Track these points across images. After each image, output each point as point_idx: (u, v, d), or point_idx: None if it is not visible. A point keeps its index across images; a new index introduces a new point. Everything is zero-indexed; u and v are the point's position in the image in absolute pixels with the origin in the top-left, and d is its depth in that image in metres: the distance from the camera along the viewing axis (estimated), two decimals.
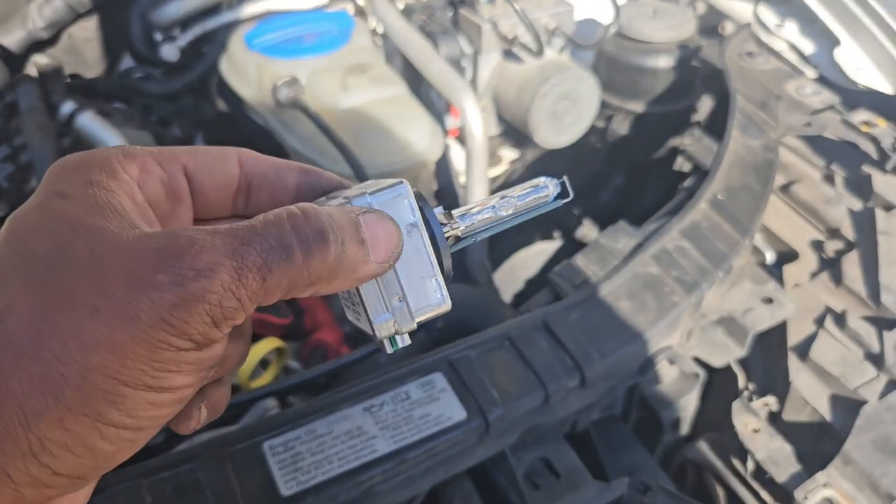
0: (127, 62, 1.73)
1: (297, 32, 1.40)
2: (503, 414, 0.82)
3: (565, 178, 0.47)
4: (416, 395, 0.84)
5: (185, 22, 1.63)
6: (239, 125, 1.56)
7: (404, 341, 0.44)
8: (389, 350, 0.44)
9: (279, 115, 1.34)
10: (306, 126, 1.26)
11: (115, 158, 0.39)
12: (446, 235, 0.45)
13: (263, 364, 1.18)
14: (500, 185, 1.72)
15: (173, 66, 1.63)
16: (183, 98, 1.66)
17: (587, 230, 1.70)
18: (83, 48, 1.71)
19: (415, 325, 0.44)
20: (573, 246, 1.74)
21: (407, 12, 1.53)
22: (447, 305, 0.44)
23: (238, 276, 0.34)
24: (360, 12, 1.62)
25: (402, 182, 0.43)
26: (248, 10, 1.62)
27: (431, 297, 0.44)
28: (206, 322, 0.34)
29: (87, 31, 1.69)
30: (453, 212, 0.46)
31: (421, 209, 0.44)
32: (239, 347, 0.44)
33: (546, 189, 0.47)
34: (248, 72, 1.38)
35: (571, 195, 0.47)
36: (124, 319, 0.32)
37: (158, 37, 1.63)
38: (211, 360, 0.36)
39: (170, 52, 1.61)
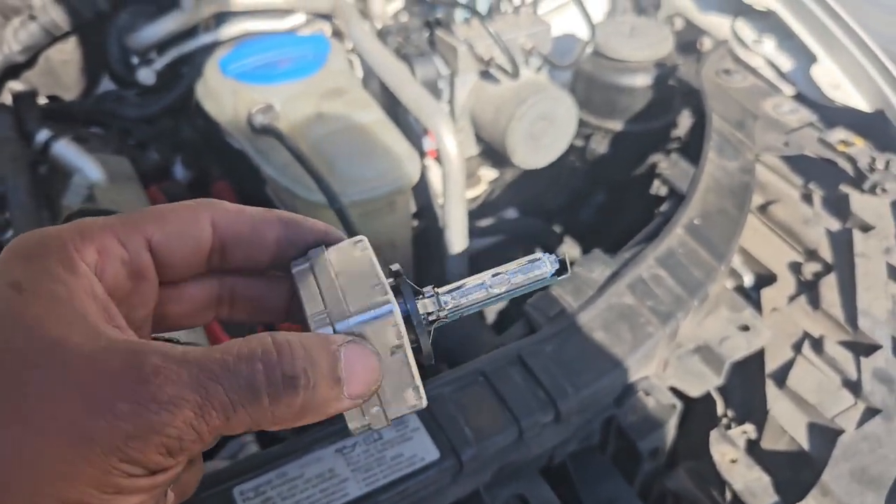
0: (106, 84, 1.72)
1: (272, 57, 1.39)
2: (477, 452, 0.82)
3: (565, 254, 0.45)
4: (389, 435, 0.83)
5: (162, 45, 1.62)
6: (218, 148, 1.55)
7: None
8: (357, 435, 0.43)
9: (255, 141, 1.33)
10: (282, 153, 1.25)
11: (70, 245, 0.37)
12: (432, 319, 0.43)
13: None
14: (480, 205, 1.71)
15: (150, 88, 1.63)
16: (161, 121, 1.65)
17: (568, 248, 1.70)
18: (60, 71, 1.69)
19: (388, 425, 0.43)
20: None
21: (383, 34, 1.52)
22: (423, 404, 0.43)
23: (201, 412, 0.33)
24: (338, 33, 1.62)
25: (388, 302, 0.40)
26: (224, 33, 1.61)
27: (409, 401, 0.42)
28: (162, 453, 0.33)
29: (64, 54, 1.68)
30: (440, 291, 0.44)
31: (408, 316, 0.41)
32: (195, 472, 0.43)
33: (543, 266, 0.44)
34: (223, 98, 1.37)
35: (570, 272, 0.45)
36: (78, 442, 0.31)
37: (135, 60, 1.62)
38: (164, 484, 0.35)
39: (146, 75, 1.60)
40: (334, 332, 0.40)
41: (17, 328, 0.33)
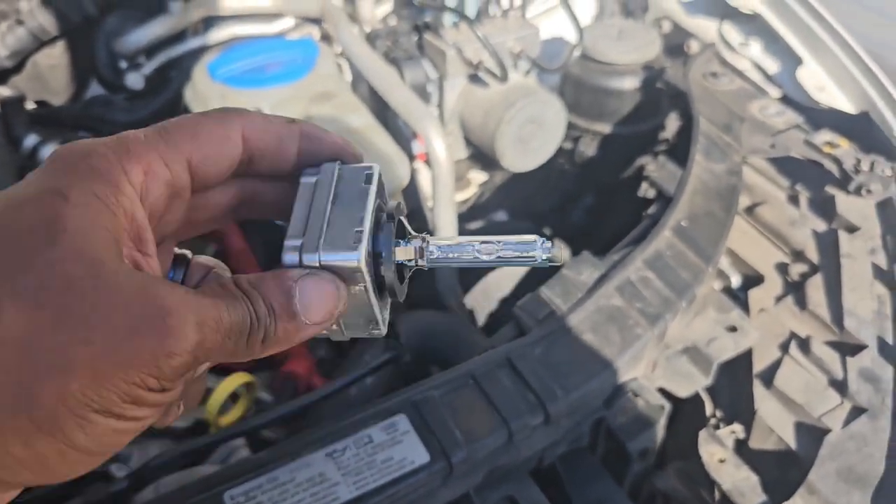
0: (94, 89, 1.71)
1: (260, 62, 1.39)
2: (466, 455, 0.82)
3: (560, 244, 0.46)
4: (380, 439, 0.83)
5: (150, 49, 1.62)
6: None
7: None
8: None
9: None
10: None
11: (118, 165, 0.38)
12: (410, 265, 0.46)
13: (233, 398, 1.17)
14: (470, 208, 1.71)
15: (139, 93, 1.62)
16: (150, 125, 1.64)
17: (559, 249, 1.70)
18: (48, 75, 1.69)
19: (346, 338, 0.47)
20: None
21: (372, 38, 1.52)
22: (382, 333, 0.47)
23: (200, 347, 0.37)
24: (326, 37, 1.62)
25: (356, 256, 0.42)
26: (213, 37, 1.62)
27: (369, 329, 0.47)
28: (172, 376, 0.36)
29: (52, 59, 1.67)
30: (430, 240, 0.45)
31: (379, 255, 0.44)
32: (200, 384, 0.50)
33: (534, 250, 0.45)
34: (211, 103, 1.37)
35: (563, 261, 0.46)
36: (114, 356, 0.34)
37: (123, 65, 1.62)
38: (174, 398, 0.38)
39: (135, 80, 1.60)
40: (300, 263, 0.42)
41: (63, 236, 0.35)
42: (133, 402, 0.35)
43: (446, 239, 0.46)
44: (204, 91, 1.40)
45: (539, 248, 0.45)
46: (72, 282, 0.34)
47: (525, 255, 0.45)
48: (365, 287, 0.43)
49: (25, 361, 0.33)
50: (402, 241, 0.45)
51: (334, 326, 0.45)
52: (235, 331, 0.39)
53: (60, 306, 0.34)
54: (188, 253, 0.48)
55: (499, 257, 0.45)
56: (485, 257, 0.45)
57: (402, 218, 0.46)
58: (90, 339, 0.34)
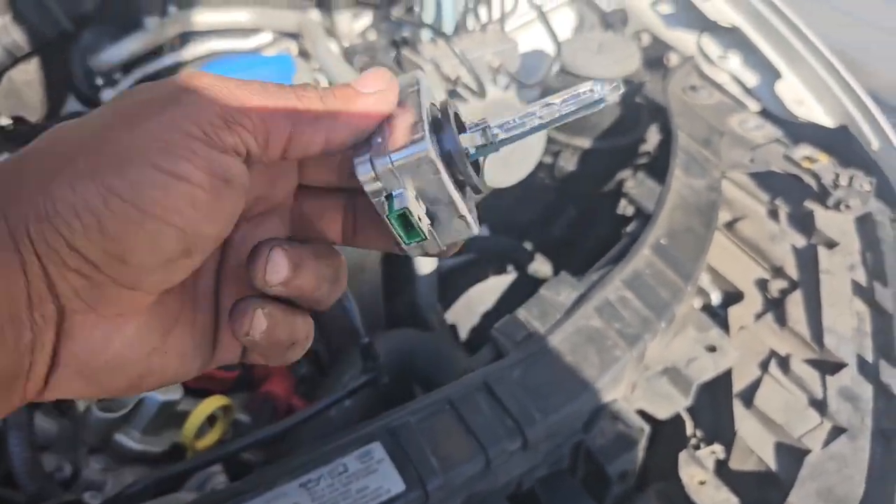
0: (72, 105, 1.69)
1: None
2: (443, 483, 0.81)
3: (619, 81, 0.45)
4: (354, 468, 0.82)
5: (127, 65, 1.60)
6: None
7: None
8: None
9: None
10: None
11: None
12: (479, 149, 0.45)
13: (210, 420, 1.16)
14: None
15: None
16: None
17: (540, 265, 1.70)
18: (24, 92, 1.67)
19: (444, 249, 0.46)
20: (527, 280, 1.73)
21: (349, 53, 1.51)
22: (475, 231, 0.45)
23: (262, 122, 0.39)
24: (304, 53, 1.61)
25: (422, 140, 0.42)
26: (190, 52, 1.60)
27: (459, 230, 0.45)
28: (240, 144, 0.38)
29: (27, 74, 1.65)
30: (490, 122, 0.45)
31: (450, 153, 0.43)
32: (280, 181, 0.47)
33: (594, 94, 0.44)
34: None
35: (623, 90, 0.45)
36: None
37: (100, 81, 1.60)
38: (221, 168, 0.38)
39: (111, 96, 1.58)
40: (374, 169, 0.42)
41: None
42: (174, 147, 0.36)
43: (506, 116, 0.45)
44: None
45: (598, 90, 0.44)
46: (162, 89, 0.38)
47: (587, 102, 0.44)
48: (440, 177, 0.42)
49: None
50: (463, 132, 0.45)
51: (424, 229, 0.44)
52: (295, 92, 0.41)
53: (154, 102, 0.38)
54: None
55: (562, 114, 0.44)
56: (549, 119, 0.44)
57: (457, 111, 0.46)
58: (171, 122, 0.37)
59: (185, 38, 1.61)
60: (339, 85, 0.42)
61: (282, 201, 0.47)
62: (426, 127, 0.42)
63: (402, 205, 0.42)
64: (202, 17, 1.58)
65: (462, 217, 0.44)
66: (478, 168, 0.46)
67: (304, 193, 0.48)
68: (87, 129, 0.37)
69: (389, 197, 0.43)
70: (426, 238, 0.44)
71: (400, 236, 0.44)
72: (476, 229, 0.45)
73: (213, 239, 0.40)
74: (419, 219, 0.43)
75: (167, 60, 1.58)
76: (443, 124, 0.44)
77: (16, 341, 0.35)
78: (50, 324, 0.36)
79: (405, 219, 0.43)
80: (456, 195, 0.43)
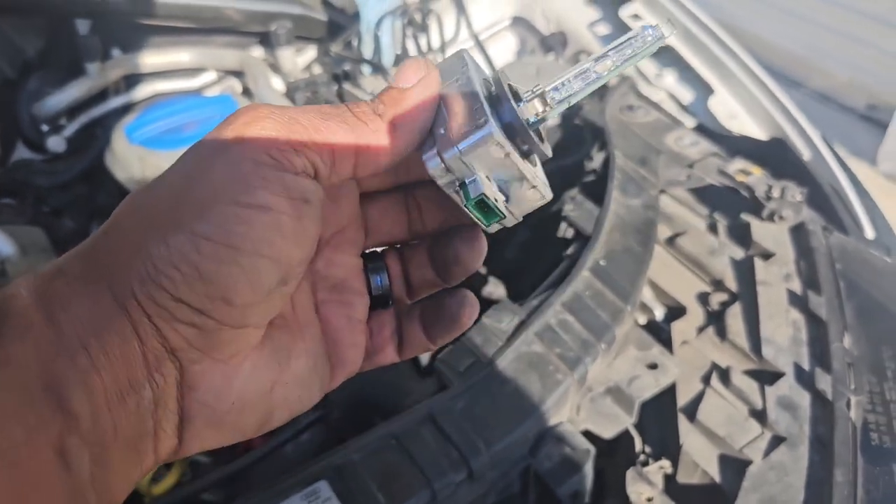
0: (21, 151, 1.69)
1: (178, 121, 1.39)
2: None
3: (669, 20, 0.46)
4: None
5: (72, 110, 1.60)
6: None
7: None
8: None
9: None
10: None
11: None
12: (538, 118, 0.44)
13: (167, 464, 1.16)
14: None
15: (62, 154, 1.60)
16: (75, 187, 1.62)
17: (493, 287, 1.71)
18: None
19: (519, 220, 0.47)
20: (480, 302, 1.73)
21: (292, 90, 1.53)
22: (548, 197, 0.46)
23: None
24: (247, 91, 1.62)
25: (486, 124, 0.41)
26: (135, 94, 1.61)
27: (533, 199, 0.46)
28: (306, 165, 0.39)
29: None
30: (544, 87, 0.44)
31: (511, 124, 0.43)
32: (347, 206, 0.48)
33: (645, 40, 0.43)
34: (131, 165, 1.36)
35: (673, 32, 0.45)
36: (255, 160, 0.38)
37: (45, 128, 1.60)
38: (297, 189, 0.39)
39: (56, 143, 1.58)
40: (443, 162, 0.42)
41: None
42: (247, 179, 0.37)
43: (560, 78, 0.45)
44: (122, 153, 1.38)
45: (651, 36, 0.44)
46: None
47: (640, 49, 0.44)
48: (508, 154, 0.42)
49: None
50: (521, 102, 0.44)
51: (502, 208, 0.44)
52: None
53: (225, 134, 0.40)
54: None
55: (620, 63, 0.44)
56: (605, 72, 0.44)
57: (510, 82, 0.46)
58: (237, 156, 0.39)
59: (130, 79, 1.62)
60: (383, 90, 0.43)
61: (351, 216, 0.48)
62: (486, 108, 0.42)
63: (478, 191, 0.43)
64: (145, 59, 1.59)
65: (535, 187, 0.45)
66: (540, 135, 0.46)
67: (363, 201, 0.49)
68: (163, 186, 0.39)
69: (463, 185, 0.43)
70: (505, 216, 0.45)
71: (479, 220, 0.45)
72: (549, 195, 0.46)
73: (303, 262, 0.40)
74: (495, 200, 0.43)
75: (112, 103, 1.59)
76: (500, 98, 0.44)
77: (137, 404, 0.36)
78: (171, 380, 0.37)
79: (483, 203, 0.43)
80: (526, 168, 0.44)
